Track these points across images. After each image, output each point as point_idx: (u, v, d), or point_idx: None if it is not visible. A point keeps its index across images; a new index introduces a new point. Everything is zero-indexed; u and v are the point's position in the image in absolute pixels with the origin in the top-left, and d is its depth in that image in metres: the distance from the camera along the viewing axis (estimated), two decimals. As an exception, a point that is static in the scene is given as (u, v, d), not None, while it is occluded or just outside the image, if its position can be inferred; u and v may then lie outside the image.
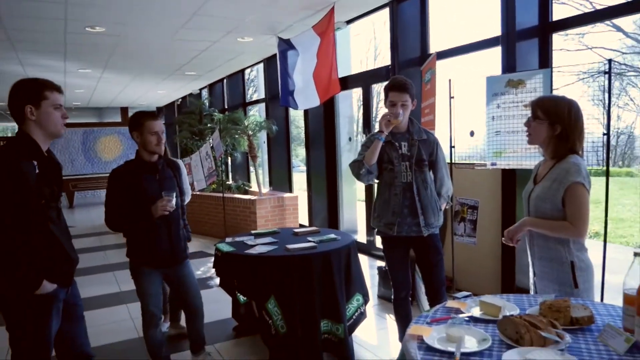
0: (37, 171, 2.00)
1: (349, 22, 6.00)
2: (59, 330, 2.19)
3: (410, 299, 3.27)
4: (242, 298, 3.72)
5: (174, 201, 2.83)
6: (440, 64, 4.40)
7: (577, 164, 2.07)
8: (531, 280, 2.36)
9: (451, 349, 1.56)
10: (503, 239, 2.33)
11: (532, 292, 2.36)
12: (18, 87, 2.05)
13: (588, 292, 2.12)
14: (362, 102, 6.46)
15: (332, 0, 4.98)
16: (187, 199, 3.44)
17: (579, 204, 2.05)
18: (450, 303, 2.01)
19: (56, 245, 2.10)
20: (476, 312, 1.88)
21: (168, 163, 3.06)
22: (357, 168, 2.99)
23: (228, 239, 3.72)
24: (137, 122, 2.84)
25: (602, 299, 3.07)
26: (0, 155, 1.98)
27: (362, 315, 3.44)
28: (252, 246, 3.41)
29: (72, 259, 2.19)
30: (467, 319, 1.83)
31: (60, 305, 2.15)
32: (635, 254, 1.65)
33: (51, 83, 2.08)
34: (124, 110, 16.55)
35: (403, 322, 3.19)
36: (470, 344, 1.61)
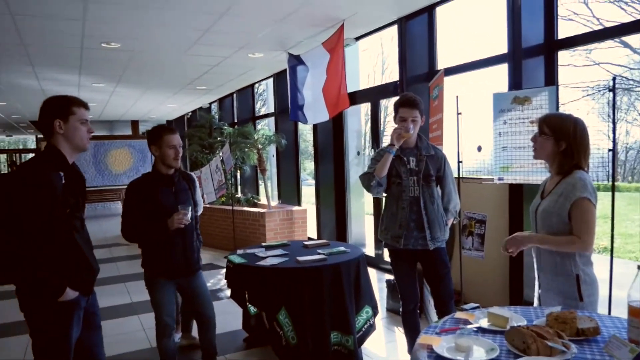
0: (63, 182, 2.10)
1: (357, 38, 6.12)
2: (77, 338, 2.26)
3: (418, 311, 3.31)
4: (252, 309, 3.77)
5: (189, 215, 2.91)
6: (447, 80, 4.49)
7: (583, 179, 2.13)
8: (536, 293, 2.40)
9: (460, 358, 1.62)
10: (502, 248, 2.35)
11: (536, 304, 2.41)
12: (48, 103, 2.18)
13: (593, 305, 2.17)
14: (370, 117, 6.54)
15: (342, 17, 5.10)
16: (200, 210, 3.52)
17: (586, 219, 2.10)
18: (458, 314, 2.06)
19: (79, 254, 2.19)
20: (484, 323, 1.93)
21: (183, 176, 3.14)
22: (367, 180, 3.06)
23: (239, 251, 3.79)
24: (156, 135, 2.93)
25: (609, 313, 3.09)
26: (30, 167, 2.10)
27: (371, 328, 3.48)
28: (264, 258, 3.48)
29: (94, 268, 2.28)
30: (475, 329, 1.89)
31: (81, 313, 2.22)
32: (639, 267, 1.70)
33: (79, 100, 2.21)
34: (134, 123, 16.79)
35: (411, 334, 3.23)
36: (479, 353, 1.66)
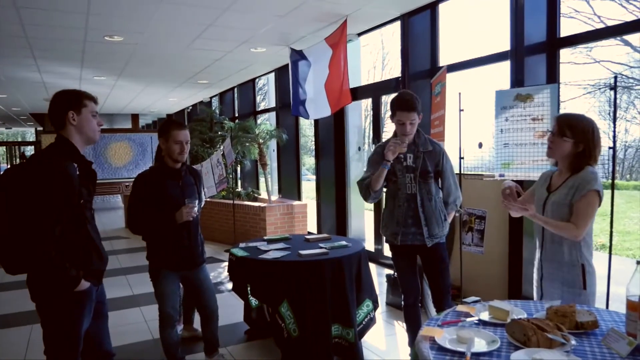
0: (77, 172, 2.13)
1: (360, 34, 6.13)
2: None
3: (420, 305, 3.35)
4: (254, 302, 3.82)
5: (196, 208, 2.95)
6: (449, 77, 4.51)
7: (595, 173, 2.25)
8: (535, 283, 2.46)
9: (462, 349, 1.65)
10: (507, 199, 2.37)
11: (536, 295, 2.47)
12: (61, 95, 2.21)
13: (593, 295, 2.28)
14: (371, 113, 6.57)
15: (345, 13, 5.12)
16: (202, 204, 3.56)
17: (588, 210, 2.21)
18: (460, 307, 2.09)
19: (92, 244, 2.23)
20: (485, 316, 1.97)
21: (190, 170, 3.17)
22: (363, 191, 3.10)
23: (242, 244, 3.82)
24: (165, 129, 2.96)
25: (607, 309, 3.14)
26: (46, 158, 2.12)
27: (371, 321, 3.52)
28: (266, 251, 3.51)
29: (104, 257, 2.31)
30: (476, 322, 1.92)
31: (92, 302, 2.26)
32: (638, 263, 1.74)
33: (89, 93, 2.26)
34: (134, 116, 16.78)
35: (412, 328, 3.26)
36: (480, 345, 1.70)
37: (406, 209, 3.05)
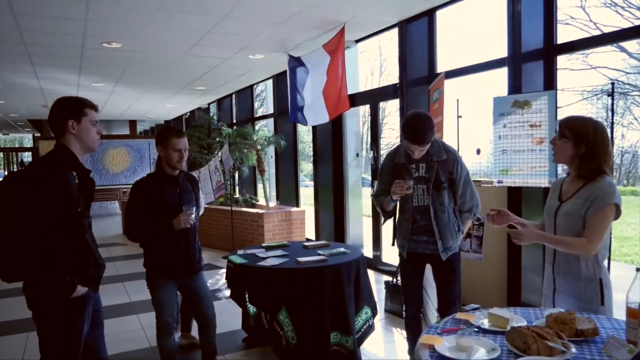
0: (76, 181, 2.13)
1: (358, 41, 6.15)
2: None
3: (421, 315, 3.29)
4: (252, 310, 3.78)
5: (194, 215, 2.94)
6: (447, 83, 4.51)
7: (613, 185, 2.10)
8: (546, 296, 2.35)
9: (462, 357, 1.64)
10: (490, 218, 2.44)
11: (548, 307, 2.37)
12: (61, 103, 2.20)
13: (611, 309, 2.15)
14: (369, 119, 6.58)
15: (343, 20, 5.14)
16: (201, 211, 3.55)
17: (602, 224, 2.09)
18: (459, 315, 2.08)
19: (89, 252, 2.22)
20: (485, 323, 1.96)
21: (187, 177, 3.16)
22: (379, 208, 3.14)
23: (240, 251, 3.80)
24: (163, 137, 2.95)
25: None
26: (46, 166, 2.12)
27: (370, 328, 3.51)
28: (264, 258, 3.49)
29: (101, 264, 2.30)
30: (476, 329, 1.91)
31: (90, 309, 2.25)
32: (638, 270, 1.73)
33: (90, 101, 2.25)
34: (132, 122, 16.78)
35: (414, 338, 3.19)
36: (480, 353, 1.69)
37: (420, 220, 2.96)
